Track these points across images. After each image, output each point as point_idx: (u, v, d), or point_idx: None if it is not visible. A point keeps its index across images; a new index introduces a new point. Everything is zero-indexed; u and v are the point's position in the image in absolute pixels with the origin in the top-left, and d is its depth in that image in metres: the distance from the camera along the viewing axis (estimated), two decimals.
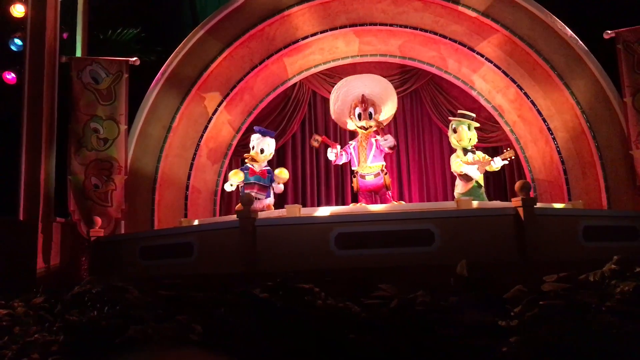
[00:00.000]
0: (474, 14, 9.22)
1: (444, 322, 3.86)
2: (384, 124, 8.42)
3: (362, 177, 8.07)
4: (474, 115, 8.52)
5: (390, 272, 5.53)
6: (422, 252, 5.67)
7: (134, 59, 9.09)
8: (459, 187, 8.17)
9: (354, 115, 8.34)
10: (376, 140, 8.07)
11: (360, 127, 8.29)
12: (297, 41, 9.75)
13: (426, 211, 6.35)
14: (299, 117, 10.56)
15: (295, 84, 10.46)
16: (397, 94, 10.45)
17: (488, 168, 8.16)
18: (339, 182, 10.64)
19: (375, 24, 9.72)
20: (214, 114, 9.68)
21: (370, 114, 8.25)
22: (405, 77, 10.44)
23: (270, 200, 8.22)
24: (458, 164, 8.13)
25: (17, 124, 8.53)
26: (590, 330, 3.68)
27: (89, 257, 7.86)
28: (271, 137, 8.48)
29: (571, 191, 9.11)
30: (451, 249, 5.68)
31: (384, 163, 8.20)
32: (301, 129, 10.70)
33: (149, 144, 9.15)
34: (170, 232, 6.98)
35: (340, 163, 8.53)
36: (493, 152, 10.44)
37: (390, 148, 8.08)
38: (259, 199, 7.86)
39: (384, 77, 10.37)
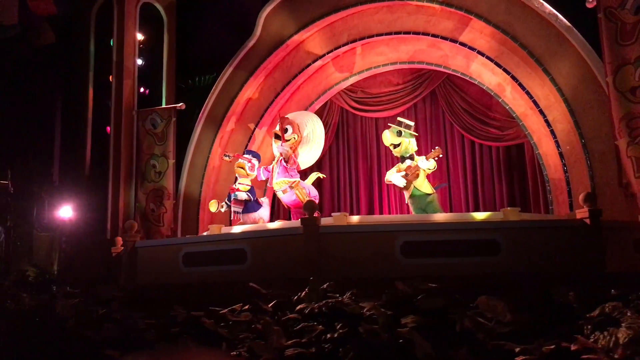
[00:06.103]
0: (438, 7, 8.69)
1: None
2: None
3: (276, 192, 8.37)
4: (409, 123, 8.04)
5: (218, 287, 6.27)
6: (237, 269, 6.14)
7: (180, 104, 11.14)
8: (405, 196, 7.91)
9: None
10: (279, 161, 8.17)
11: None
12: (308, 65, 10.47)
13: (243, 232, 6.67)
14: (332, 132, 11.10)
15: (326, 103, 11.10)
16: (415, 97, 10.30)
17: (427, 171, 7.71)
18: (369, 191, 10.84)
19: (372, 36, 9.81)
20: (249, 140, 11.07)
21: (286, 130, 8.30)
22: (419, 81, 10.12)
23: (258, 215, 8.67)
24: (388, 173, 7.94)
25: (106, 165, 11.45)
26: None
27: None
28: (256, 158, 8.97)
29: (572, 192, 7.77)
30: (260, 267, 6.02)
31: (294, 180, 8.09)
32: (335, 142, 11.23)
33: (195, 173, 11.05)
34: None
35: (264, 178, 8.71)
36: (517, 150, 9.41)
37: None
38: (236, 212, 8.74)
39: (400, 83, 10.45)
